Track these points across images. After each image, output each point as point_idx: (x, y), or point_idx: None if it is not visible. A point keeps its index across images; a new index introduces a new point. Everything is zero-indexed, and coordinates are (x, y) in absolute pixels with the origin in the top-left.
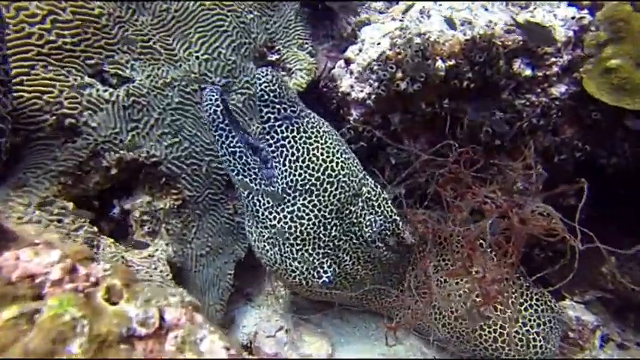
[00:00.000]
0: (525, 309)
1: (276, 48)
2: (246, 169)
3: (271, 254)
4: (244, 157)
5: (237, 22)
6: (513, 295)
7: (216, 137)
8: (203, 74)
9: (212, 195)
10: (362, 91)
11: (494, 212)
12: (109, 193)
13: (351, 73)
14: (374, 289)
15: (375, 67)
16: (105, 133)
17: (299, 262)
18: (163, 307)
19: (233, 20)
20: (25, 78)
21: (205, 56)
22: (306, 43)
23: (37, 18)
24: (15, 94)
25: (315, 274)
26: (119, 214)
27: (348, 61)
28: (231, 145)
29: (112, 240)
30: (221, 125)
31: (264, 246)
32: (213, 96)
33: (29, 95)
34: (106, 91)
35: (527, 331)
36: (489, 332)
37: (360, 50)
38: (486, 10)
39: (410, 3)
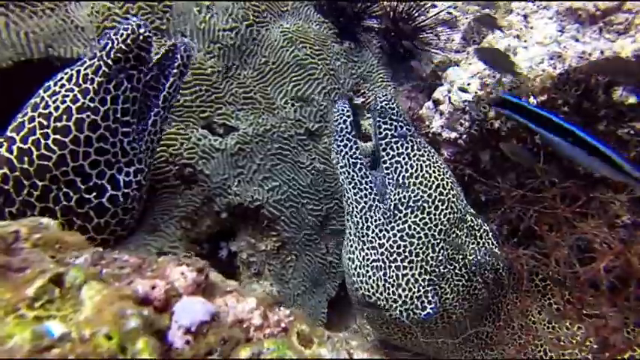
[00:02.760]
0: None
1: (362, 91)
2: (363, 182)
3: (374, 280)
4: (364, 170)
5: (327, 70)
6: None
7: (341, 147)
8: (298, 120)
9: (307, 236)
10: (453, 131)
11: (608, 255)
12: (215, 236)
13: (441, 114)
14: (475, 333)
15: (468, 108)
16: (216, 179)
17: (403, 290)
18: (350, 349)
19: (324, 68)
20: None
21: (300, 103)
22: (389, 86)
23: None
24: None
25: (419, 304)
26: (226, 256)
27: (436, 102)
28: (354, 156)
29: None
30: (348, 136)
31: (367, 271)
32: (345, 107)
33: (158, 149)
34: (216, 140)
35: None
36: None
37: (449, 92)
38: (577, 40)
39: (493, 41)
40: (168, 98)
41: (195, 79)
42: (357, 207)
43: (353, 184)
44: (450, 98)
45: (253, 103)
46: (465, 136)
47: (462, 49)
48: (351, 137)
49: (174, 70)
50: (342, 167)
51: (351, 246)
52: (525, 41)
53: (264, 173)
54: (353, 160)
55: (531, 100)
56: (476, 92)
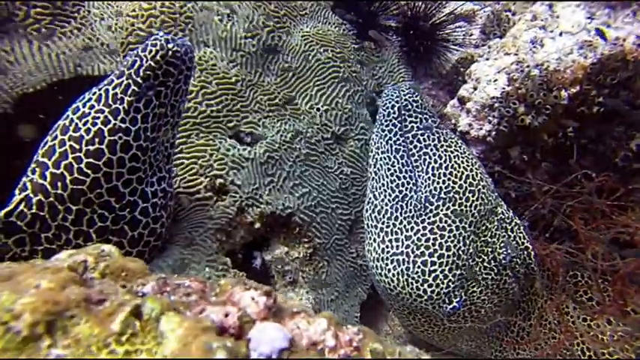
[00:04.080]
0: None
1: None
2: (403, 170)
3: (394, 274)
4: (405, 158)
5: (350, 72)
6: None
7: (385, 132)
8: (324, 124)
9: (338, 240)
10: (481, 128)
11: None
12: (249, 245)
13: (468, 111)
14: (504, 322)
15: (496, 105)
16: (247, 189)
17: (429, 285)
18: None
19: (346, 70)
20: (184, 147)
21: (325, 107)
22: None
23: (192, 94)
24: (177, 162)
25: (447, 299)
26: (260, 265)
27: (462, 100)
28: (397, 142)
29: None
30: (394, 121)
31: (387, 265)
32: (394, 92)
33: (188, 162)
34: (245, 149)
35: None
36: None
37: (475, 88)
38: (609, 26)
39: (517, 33)
40: (176, 105)
41: (221, 88)
42: (390, 195)
43: (392, 171)
44: (477, 95)
45: (279, 110)
46: (493, 133)
47: (481, 44)
48: (397, 123)
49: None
50: (382, 152)
51: (371, 237)
52: (552, 31)
53: (293, 180)
54: (396, 147)
55: (562, 93)
56: (504, 88)
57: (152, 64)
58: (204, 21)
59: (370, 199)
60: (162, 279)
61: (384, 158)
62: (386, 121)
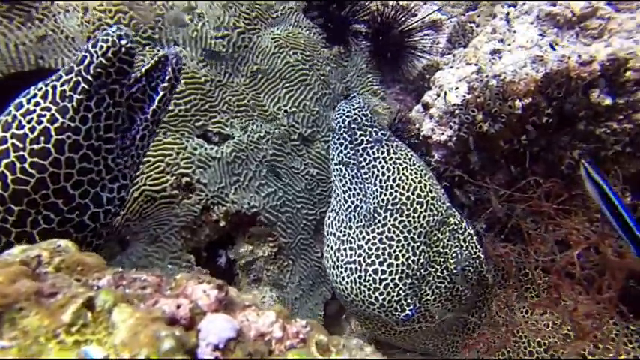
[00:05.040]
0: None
1: (352, 95)
2: (354, 182)
3: (348, 282)
4: (355, 170)
5: (318, 75)
6: (614, 334)
7: (337, 145)
8: (291, 126)
9: (303, 240)
10: (443, 134)
11: (581, 244)
12: (214, 244)
13: (431, 117)
14: (458, 321)
15: (457, 111)
16: (213, 188)
17: (380, 293)
18: (366, 356)
19: (314, 73)
20: (151, 145)
21: (292, 109)
22: (378, 89)
23: None
24: (144, 160)
25: (398, 306)
26: (225, 263)
27: (426, 106)
28: (347, 155)
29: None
30: (345, 135)
31: (342, 272)
32: (346, 107)
33: (154, 159)
34: (212, 149)
35: None
36: None
37: (438, 95)
38: (556, 45)
39: (478, 44)
40: (158, 112)
41: (189, 87)
42: (344, 205)
43: (343, 183)
44: (438, 102)
45: (247, 111)
46: (454, 138)
47: (447, 52)
48: (347, 137)
49: (165, 84)
50: (335, 165)
51: (328, 245)
52: (509, 45)
53: (259, 180)
54: (346, 160)
55: (517, 103)
56: (464, 96)
57: (103, 60)
58: (175, 19)
59: (332, 206)
60: (118, 273)
61: (337, 170)
62: (337, 134)
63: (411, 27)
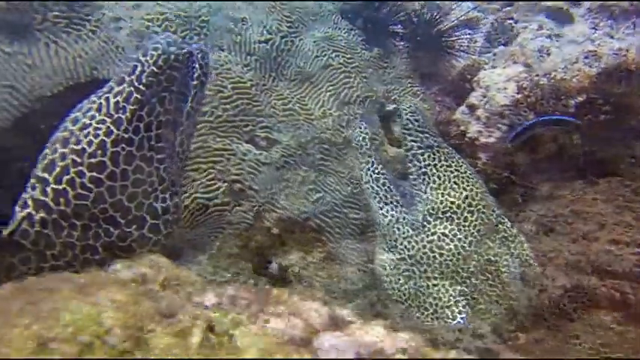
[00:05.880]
0: None
1: (392, 98)
2: (388, 196)
3: (405, 288)
4: (387, 184)
5: (360, 77)
6: None
7: (363, 164)
8: (337, 129)
9: (350, 245)
10: (491, 135)
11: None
12: (263, 249)
13: (478, 118)
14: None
15: (506, 112)
16: (264, 194)
17: (433, 299)
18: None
19: (357, 75)
20: (200, 151)
21: (337, 112)
22: (418, 91)
23: (208, 98)
24: (194, 167)
25: (450, 313)
26: (277, 270)
27: (471, 107)
28: (376, 172)
29: None
30: (368, 152)
31: (399, 279)
32: (362, 125)
33: (205, 166)
34: (261, 154)
35: None
36: None
37: (484, 96)
38: (611, 37)
39: (524, 42)
40: (192, 113)
41: (237, 92)
42: (383, 220)
43: (378, 199)
44: (486, 103)
45: (292, 115)
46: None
47: (486, 51)
48: (371, 153)
49: (195, 82)
50: (366, 183)
51: (382, 255)
52: (558, 40)
53: (308, 185)
54: (376, 176)
55: (570, 101)
56: (513, 96)
57: (155, 69)
58: (220, 25)
59: (374, 220)
60: (218, 290)
61: (369, 188)
62: (361, 154)
63: (447, 26)
